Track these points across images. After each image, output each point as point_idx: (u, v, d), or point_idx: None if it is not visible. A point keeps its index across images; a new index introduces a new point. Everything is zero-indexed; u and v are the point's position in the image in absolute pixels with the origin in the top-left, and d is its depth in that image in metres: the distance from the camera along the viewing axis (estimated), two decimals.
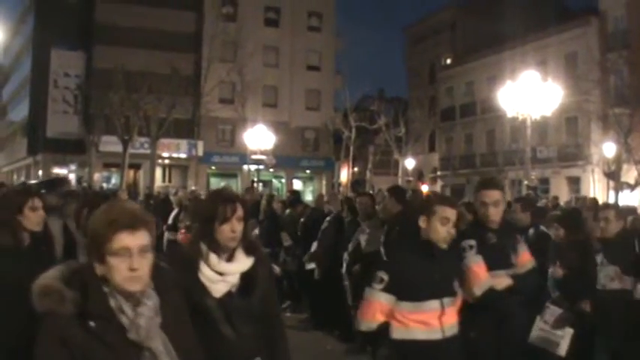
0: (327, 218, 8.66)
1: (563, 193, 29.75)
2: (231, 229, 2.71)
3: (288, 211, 10.53)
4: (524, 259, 3.99)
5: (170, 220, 10.87)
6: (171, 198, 13.95)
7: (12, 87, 56.28)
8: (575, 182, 34.41)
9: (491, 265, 3.76)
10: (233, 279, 2.73)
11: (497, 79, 31.99)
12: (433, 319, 3.32)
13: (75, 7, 39.75)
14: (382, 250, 6.72)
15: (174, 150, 39.90)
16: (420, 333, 3.31)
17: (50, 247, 4.17)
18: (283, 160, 37.07)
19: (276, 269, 6.90)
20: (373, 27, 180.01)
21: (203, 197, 13.33)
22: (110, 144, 35.08)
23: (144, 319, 1.99)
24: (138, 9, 38.49)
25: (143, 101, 32.44)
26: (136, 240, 1.97)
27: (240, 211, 2.75)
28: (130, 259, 1.95)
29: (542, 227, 6.28)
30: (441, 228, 3.38)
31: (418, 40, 49.98)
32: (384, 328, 3.38)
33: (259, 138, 30.37)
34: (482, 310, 3.70)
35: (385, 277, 3.35)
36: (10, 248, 3.74)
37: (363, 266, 7.18)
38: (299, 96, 44.68)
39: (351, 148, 41.44)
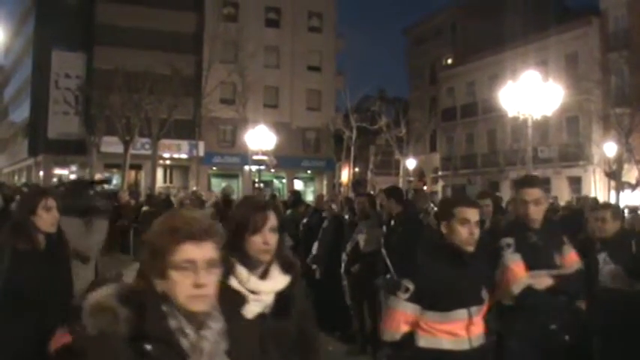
0: (325, 221, 8.66)
1: (564, 193, 29.76)
2: (263, 241, 2.49)
3: (289, 211, 10.53)
4: (571, 259, 3.87)
5: None
6: (173, 199, 14.00)
7: (13, 88, 56.38)
8: (576, 182, 34.38)
9: (531, 265, 3.66)
10: (268, 299, 2.50)
11: (498, 79, 31.94)
12: (461, 330, 3.17)
13: (75, 8, 39.75)
14: (383, 251, 6.72)
15: (175, 151, 39.87)
16: (446, 343, 3.16)
17: (64, 249, 4.03)
18: (284, 160, 37.05)
19: None
20: (374, 27, 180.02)
21: (204, 197, 13.41)
22: (111, 145, 35.08)
23: (207, 343, 1.74)
24: (138, 10, 38.52)
25: (144, 102, 32.47)
26: (202, 252, 1.72)
27: (273, 221, 2.52)
28: (195, 274, 1.70)
29: None
30: (462, 229, 3.20)
31: (419, 41, 49.99)
32: (407, 337, 3.25)
33: (260, 138, 30.31)
34: (525, 313, 3.59)
35: (411, 286, 3.17)
36: (27, 252, 3.66)
37: (361, 266, 7.20)
38: (300, 96, 44.66)
39: (352, 149, 41.36)
